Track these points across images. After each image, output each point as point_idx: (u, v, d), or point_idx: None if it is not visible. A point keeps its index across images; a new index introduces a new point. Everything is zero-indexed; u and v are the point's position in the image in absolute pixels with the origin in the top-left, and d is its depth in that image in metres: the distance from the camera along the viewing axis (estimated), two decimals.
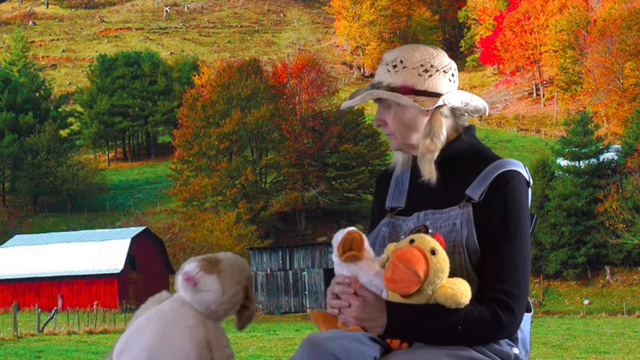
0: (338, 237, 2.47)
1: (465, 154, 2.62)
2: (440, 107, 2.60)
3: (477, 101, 2.67)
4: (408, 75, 2.58)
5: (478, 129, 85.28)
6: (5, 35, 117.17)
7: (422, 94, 2.58)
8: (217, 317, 2.55)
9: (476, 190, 2.54)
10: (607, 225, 52.92)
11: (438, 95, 2.59)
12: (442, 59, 2.63)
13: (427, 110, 2.59)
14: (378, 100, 2.64)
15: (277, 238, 57.89)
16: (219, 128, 67.02)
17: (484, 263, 2.49)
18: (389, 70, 2.61)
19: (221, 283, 2.53)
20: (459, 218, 2.53)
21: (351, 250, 2.45)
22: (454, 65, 2.65)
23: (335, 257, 2.49)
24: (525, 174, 2.58)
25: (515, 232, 2.51)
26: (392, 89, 2.58)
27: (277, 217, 68.15)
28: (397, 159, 2.73)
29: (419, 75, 2.58)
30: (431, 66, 2.59)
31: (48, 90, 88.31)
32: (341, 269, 2.48)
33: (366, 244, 2.48)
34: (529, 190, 2.60)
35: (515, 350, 2.54)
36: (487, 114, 2.74)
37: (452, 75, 2.63)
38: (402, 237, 2.59)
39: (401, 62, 2.60)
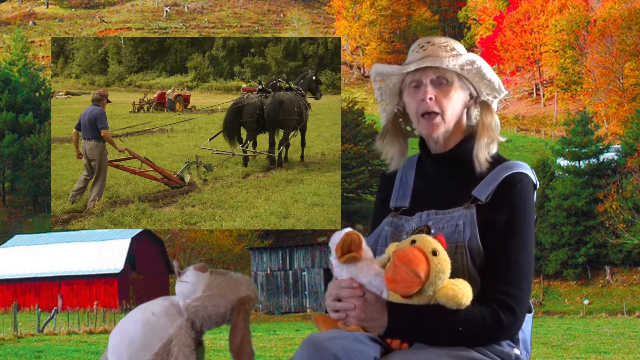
0: (336, 238, 2.46)
1: (472, 155, 2.61)
2: (492, 101, 2.67)
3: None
4: (463, 62, 2.60)
5: None
6: (5, 35, 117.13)
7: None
8: (193, 317, 2.55)
9: (483, 192, 2.54)
10: (607, 225, 52.90)
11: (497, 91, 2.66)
12: None
13: (470, 100, 2.63)
14: (437, 73, 2.57)
15: (277, 238, 57.81)
16: None
17: (487, 264, 2.49)
18: (447, 51, 2.59)
19: (203, 281, 2.55)
20: (462, 219, 2.52)
21: (350, 252, 2.44)
22: None
23: (333, 259, 2.48)
24: (532, 176, 2.58)
25: (521, 234, 2.50)
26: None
27: None
28: (392, 153, 2.69)
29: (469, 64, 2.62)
30: (472, 60, 2.63)
31: (48, 90, 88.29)
32: (340, 270, 2.47)
33: (364, 244, 2.47)
34: (535, 192, 2.61)
35: (517, 351, 2.54)
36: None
37: None
38: (404, 236, 2.59)
39: (453, 49, 2.61)
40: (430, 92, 2.55)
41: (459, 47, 2.62)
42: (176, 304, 2.57)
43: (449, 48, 2.59)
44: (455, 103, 2.57)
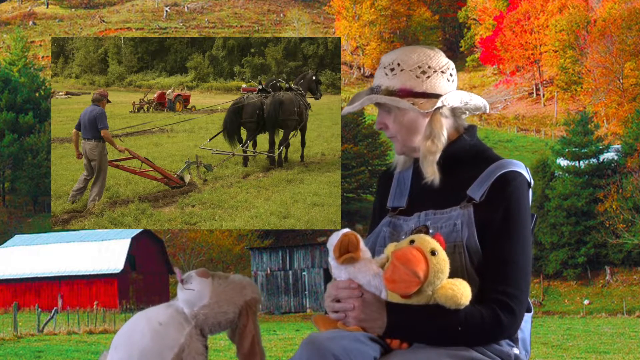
0: (334, 239, 2.46)
1: (466, 154, 2.62)
2: (439, 108, 2.59)
3: (476, 100, 2.67)
4: (406, 77, 2.58)
5: (478, 129, 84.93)
6: (5, 35, 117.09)
7: (421, 96, 2.57)
8: (202, 325, 2.55)
9: (477, 191, 2.54)
10: (607, 225, 52.91)
11: (437, 96, 2.58)
12: (439, 59, 2.62)
13: (427, 112, 2.59)
14: (378, 104, 2.63)
15: (277, 238, 57.79)
16: None
17: (485, 263, 2.49)
18: (386, 74, 2.60)
19: (208, 287, 2.54)
20: (460, 218, 2.53)
21: (348, 252, 2.44)
22: (451, 64, 2.64)
23: (332, 259, 2.48)
24: (527, 174, 2.58)
25: (517, 232, 2.50)
26: (390, 92, 2.58)
27: None
28: (399, 158, 2.73)
29: (417, 77, 2.58)
30: (428, 67, 2.59)
31: (48, 90, 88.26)
32: (339, 271, 2.47)
33: (362, 244, 2.47)
34: (530, 191, 2.60)
35: (516, 351, 2.54)
36: (487, 111, 2.73)
37: (450, 75, 2.63)
38: (403, 237, 2.59)
39: (398, 64, 2.59)
40: (379, 120, 2.64)
41: (408, 61, 2.59)
42: (181, 311, 2.55)
43: (389, 69, 2.60)
44: (402, 124, 2.60)
